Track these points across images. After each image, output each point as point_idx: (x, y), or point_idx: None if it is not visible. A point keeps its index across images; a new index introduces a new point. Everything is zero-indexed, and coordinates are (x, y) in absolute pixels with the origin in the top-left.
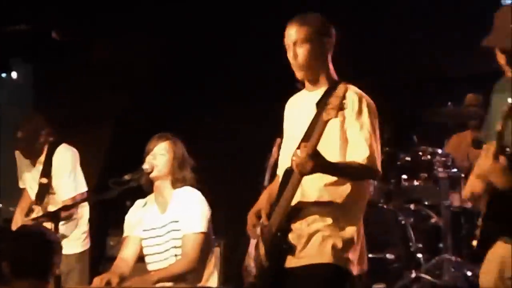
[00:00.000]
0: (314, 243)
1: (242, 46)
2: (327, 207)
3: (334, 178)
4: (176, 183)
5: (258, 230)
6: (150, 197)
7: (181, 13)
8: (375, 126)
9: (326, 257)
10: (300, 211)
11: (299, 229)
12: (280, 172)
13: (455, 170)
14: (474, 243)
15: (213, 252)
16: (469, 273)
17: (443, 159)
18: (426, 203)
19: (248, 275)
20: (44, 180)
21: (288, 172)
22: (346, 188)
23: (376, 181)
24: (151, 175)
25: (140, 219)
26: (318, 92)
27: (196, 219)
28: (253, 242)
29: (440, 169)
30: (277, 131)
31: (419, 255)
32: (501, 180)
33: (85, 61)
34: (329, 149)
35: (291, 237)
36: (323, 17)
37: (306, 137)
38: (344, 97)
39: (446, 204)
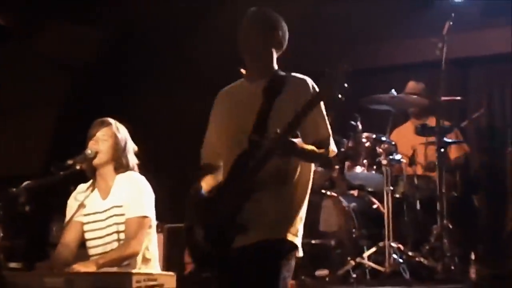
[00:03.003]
0: (264, 221)
1: (186, 30)
2: (277, 186)
3: (289, 161)
4: (119, 168)
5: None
6: (93, 182)
7: None
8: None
9: (277, 232)
10: (252, 191)
11: (251, 208)
12: (226, 159)
13: (397, 157)
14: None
15: (155, 237)
16: (410, 260)
17: (386, 146)
18: (369, 189)
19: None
20: None
21: (242, 156)
22: (296, 167)
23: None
24: (94, 162)
25: (82, 203)
26: (260, 83)
27: (139, 203)
28: None
29: (383, 156)
30: None
31: (362, 242)
32: None
33: (28, 46)
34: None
35: (242, 216)
36: (276, 12)
37: (260, 123)
38: (342, 76)
39: (389, 191)
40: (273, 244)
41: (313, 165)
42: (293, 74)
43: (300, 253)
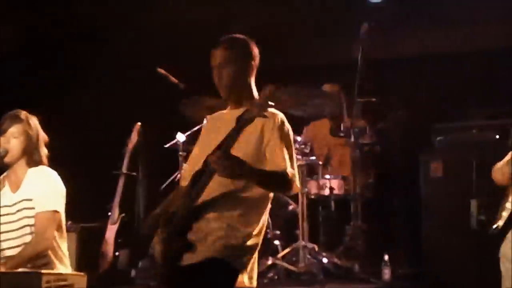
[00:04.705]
0: (209, 241)
1: (110, 26)
2: (228, 208)
3: (240, 183)
4: (31, 162)
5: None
6: (3, 176)
7: None
8: (292, 145)
9: (217, 253)
10: (203, 210)
11: (199, 228)
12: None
13: (313, 158)
14: (500, 223)
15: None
16: (324, 260)
17: (302, 146)
18: None
19: (104, 261)
20: None
21: (197, 174)
22: (250, 192)
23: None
24: (5, 160)
25: None
26: (241, 110)
27: (49, 197)
28: (110, 227)
29: (299, 157)
30: (136, 117)
31: (276, 242)
32: None
33: None
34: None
35: (190, 236)
36: (248, 39)
37: (222, 146)
38: (270, 98)
39: (304, 192)
40: (214, 264)
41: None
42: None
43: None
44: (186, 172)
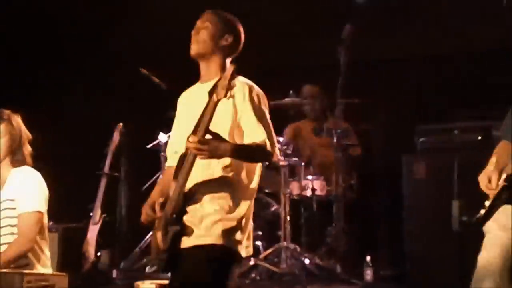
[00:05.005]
0: (204, 225)
1: (94, 26)
2: (219, 190)
3: (226, 163)
4: (15, 162)
5: (156, 222)
6: None
7: None
8: (267, 113)
9: (214, 238)
10: (194, 194)
11: (193, 210)
12: (171, 163)
13: (295, 159)
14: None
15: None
16: (306, 261)
17: (284, 147)
18: (267, 191)
19: (86, 261)
20: None
21: (182, 158)
22: (237, 172)
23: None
24: None
25: None
26: (211, 84)
27: (32, 198)
28: (91, 228)
29: (281, 158)
30: (118, 117)
31: (258, 243)
32: None
33: None
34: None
35: (185, 218)
36: (238, 21)
37: (199, 123)
38: (232, 77)
39: (286, 193)
40: (206, 249)
41: (258, 169)
42: (237, 78)
43: (245, 254)
44: (168, 151)
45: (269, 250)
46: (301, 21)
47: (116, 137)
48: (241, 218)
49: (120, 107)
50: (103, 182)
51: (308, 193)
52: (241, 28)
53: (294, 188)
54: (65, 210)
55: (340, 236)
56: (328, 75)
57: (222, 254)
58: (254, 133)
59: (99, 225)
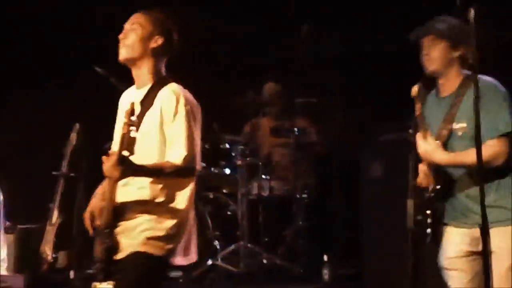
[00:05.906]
0: (134, 236)
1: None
2: (148, 203)
3: (142, 184)
4: None
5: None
6: None
7: None
8: (191, 125)
9: (142, 247)
10: (124, 208)
11: (124, 224)
12: None
13: (253, 158)
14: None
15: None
16: (264, 261)
17: (242, 147)
18: (225, 191)
19: (43, 262)
20: None
21: None
22: (165, 184)
23: None
24: None
25: None
26: (144, 90)
27: None
28: (49, 228)
29: (239, 157)
30: (74, 117)
31: (216, 243)
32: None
33: None
34: (148, 148)
35: (118, 231)
36: (173, 20)
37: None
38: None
39: (244, 192)
40: (137, 258)
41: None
42: (168, 86)
43: (180, 262)
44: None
45: (227, 250)
46: (259, 19)
47: (73, 137)
48: (171, 227)
49: (77, 107)
50: (60, 183)
51: (267, 192)
52: (175, 28)
53: (253, 187)
54: (22, 211)
55: (299, 235)
56: (287, 74)
57: (150, 261)
58: (174, 149)
59: (56, 226)
